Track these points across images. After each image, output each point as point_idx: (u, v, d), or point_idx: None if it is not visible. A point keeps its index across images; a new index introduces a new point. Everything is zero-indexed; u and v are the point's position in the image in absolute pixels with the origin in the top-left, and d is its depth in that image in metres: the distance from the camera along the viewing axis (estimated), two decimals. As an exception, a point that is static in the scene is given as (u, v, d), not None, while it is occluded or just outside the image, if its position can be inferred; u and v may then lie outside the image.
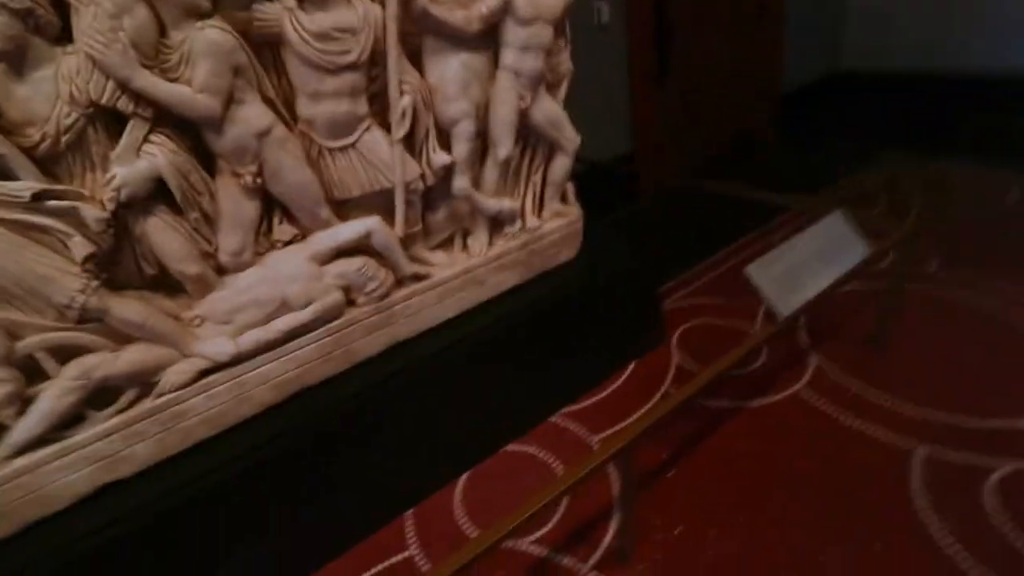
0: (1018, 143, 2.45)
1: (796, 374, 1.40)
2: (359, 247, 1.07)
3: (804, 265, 1.05)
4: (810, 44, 3.14)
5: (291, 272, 1.01)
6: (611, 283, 1.39)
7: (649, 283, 1.56)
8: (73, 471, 0.87)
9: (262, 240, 1.03)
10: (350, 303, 1.09)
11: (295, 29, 0.90)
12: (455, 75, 1.07)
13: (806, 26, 3.03)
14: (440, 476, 1.22)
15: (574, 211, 1.38)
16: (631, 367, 1.53)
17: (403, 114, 1.01)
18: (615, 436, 0.85)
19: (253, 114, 0.91)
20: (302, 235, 1.04)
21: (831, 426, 1.23)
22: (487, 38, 1.10)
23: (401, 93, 1.01)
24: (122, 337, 0.91)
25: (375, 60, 0.99)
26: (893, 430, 1.19)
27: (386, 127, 1.04)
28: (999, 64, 2.73)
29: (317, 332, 1.05)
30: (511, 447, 1.32)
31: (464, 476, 1.25)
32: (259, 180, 0.95)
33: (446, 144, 1.13)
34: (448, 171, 1.14)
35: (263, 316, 1.01)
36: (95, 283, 0.85)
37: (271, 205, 1.02)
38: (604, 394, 1.45)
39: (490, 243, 1.26)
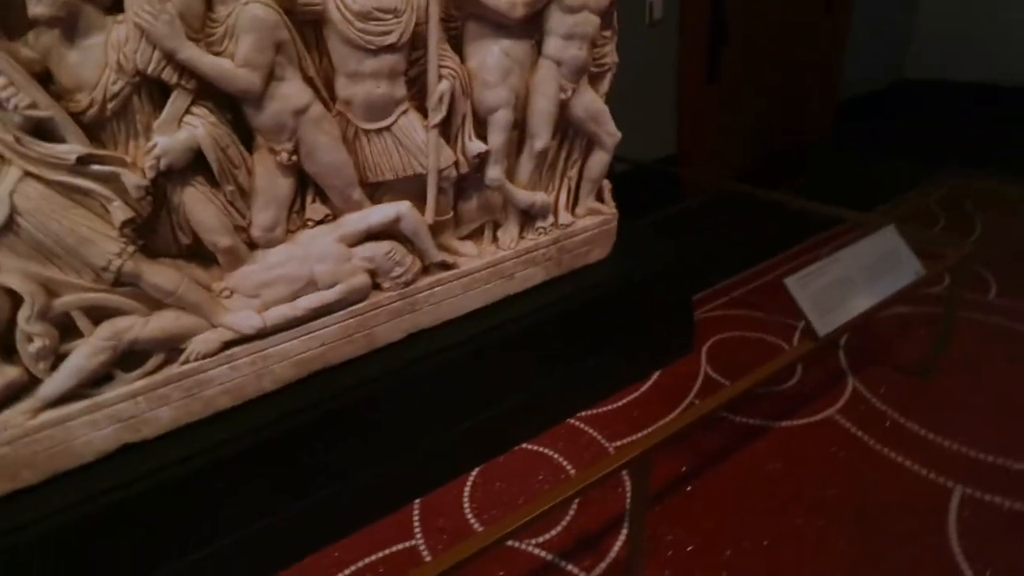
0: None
1: (832, 397, 1.33)
2: (388, 231, 1.06)
3: (849, 281, 0.98)
4: (873, 51, 2.97)
5: (320, 251, 1.01)
6: (642, 287, 1.35)
7: (682, 290, 1.50)
8: (98, 428, 0.90)
9: (294, 218, 1.04)
10: (375, 287, 1.09)
11: (338, 8, 0.90)
12: (496, 62, 1.04)
13: (870, 32, 2.87)
14: (452, 468, 1.21)
15: (609, 210, 1.34)
16: (656, 375, 1.48)
17: (440, 99, 0.99)
18: (633, 443, 0.82)
19: (292, 91, 0.92)
20: (333, 216, 1.05)
21: (865, 454, 1.16)
22: (530, 25, 1.08)
23: (440, 78, 1.00)
24: (154, 302, 0.93)
25: (415, 43, 0.98)
26: (932, 465, 1.11)
27: (423, 112, 1.03)
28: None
29: (341, 313, 1.05)
30: (526, 445, 1.30)
31: (476, 470, 1.24)
32: (295, 158, 0.96)
33: (482, 132, 1.11)
34: (482, 160, 1.12)
35: (290, 293, 1.01)
36: (132, 248, 0.87)
37: (305, 184, 1.03)
38: (626, 400, 1.41)
39: (520, 237, 1.24)
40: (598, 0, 1.09)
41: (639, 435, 1.29)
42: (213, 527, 0.98)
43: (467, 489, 1.20)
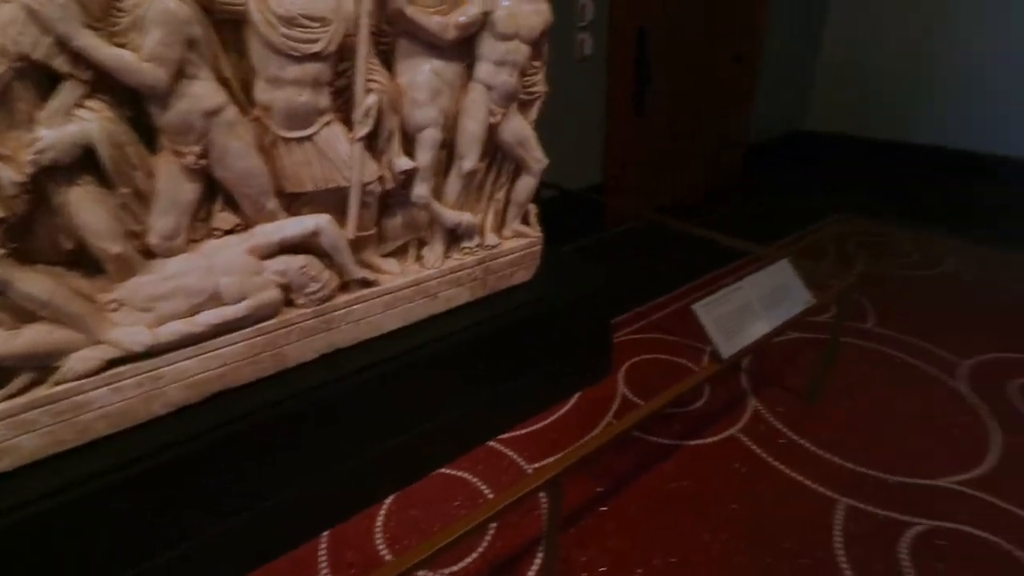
0: (960, 213, 2.63)
1: (735, 417, 1.42)
2: (305, 245, 1.02)
3: (750, 308, 1.06)
4: (778, 101, 3.30)
5: (226, 263, 0.94)
6: (564, 310, 1.38)
7: (602, 314, 1.55)
8: (-60, 459, 0.77)
9: (199, 226, 0.97)
10: (288, 303, 1.03)
11: (261, 10, 0.86)
12: (426, 81, 1.05)
13: (776, 83, 3.19)
14: (364, 496, 1.15)
15: (535, 233, 1.36)
16: (576, 397, 1.51)
17: (367, 113, 0.98)
18: (546, 467, 0.82)
19: (203, 92, 0.86)
20: (244, 226, 0.98)
21: (764, 470, 1.25)
22: (462, 48, 1.09)
23: (368, 92, 0.98)
24: (26, 314, 0.82)
25: (344, 54, 0.96)
26: (820, 480, 1.21)
27: (349, 124, 1.01)
28: (949, 138, 2.95)
29: (248, 330, 0.99)
30: (444, 470, 1.27)
31: (390, 498, 1.19)
32: (202, 162, 0.90)
33: (411, 150, 1.10)
34: (409, 177, 1.11)
35: (189, 307, 0.93)
36: (1, 252, 0.77)
37: (213, 190, 0.96)
38: (546, 422, 1.42)
39: (446, 256, 1.23)
40: (529, 31, 1.12)
41: (556, 457, 1.30)
42: (82, 573, 0.86)
43: (380, 518, 1.14)
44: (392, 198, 1.13)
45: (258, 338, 1.00)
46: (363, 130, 0.98)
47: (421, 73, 1.05)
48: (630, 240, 2.59)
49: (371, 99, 0.97)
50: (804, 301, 1.16)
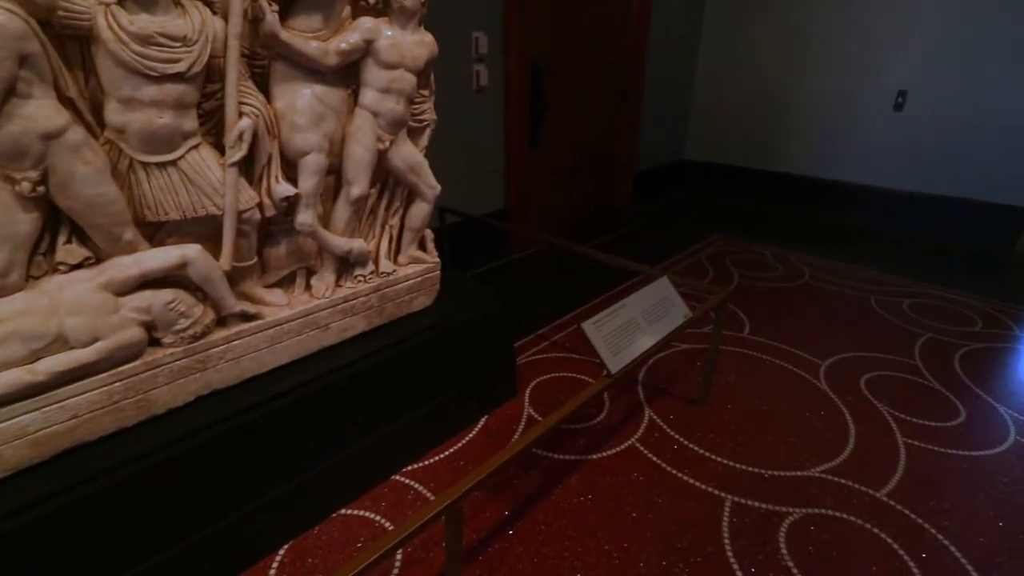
0: (812, 232, 3.01)
1: (633, 427, 1.48)
2: (174, 278, 0.93)
3: (634, 324, 1.13)
4: (661, 134, 3.61)
5: (74, 301, 0.84)
6: (466, 334, 1.38)
7: (505, 336, 1.57)
8: None
9: (40, 262, 0.85)
10: (154, 342, 0.94)
11: (110, 27, 0.80)
12: (307, 106, 1.02)
13: (658, 117, 3.49)
14: (253, 551, 1.05)
15: (432, 259, 1.36)
16: (483, 421, 1.50)
17: (240, 137, 0.93)
18: (445, 493, 0.80)
19: (41, 113, 0.77)
20: (96, 259, 0.88)
21: (660, 476, 1.31)
22: (346, 74, 1.08)
23: (241, 115, 0.93)
24: None
25: (212, 75, 0.91)
26: (708, 480, 1.30)
27: (221, 148, 0.95)
28: (800, 167, 3.37)
29: (103, 376, 0.88)
30: (345, 511, 1.20)
31: (284, 548, 1.10)
32: (40, 189, 0.80)
33: (294, 175, 1.06)
34: (292, 204, 1.06)
35: (27, 352, 0.81)
36: None
37: (57, 221, 0.86)
38: (453, 449, 1.40)
39: (338, 285, 1.19)
40: (414, 60, 1.13)
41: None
42: None
43: (272, 572, 1.05)
44: (275, 226, 1.08)
45: (117, 384, 0.90)
46: (236, 155, 0.93)
47: (301, 97, 1.02)
48: (533, 264, 2.67)
49: (244, 123, 0.93)
50: (683, 314, 1.25)
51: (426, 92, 1.25)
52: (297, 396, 1.05)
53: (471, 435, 1.45)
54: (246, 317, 1.02)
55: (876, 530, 1.16)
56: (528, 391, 1.63)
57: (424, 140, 1.28)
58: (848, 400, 1.60)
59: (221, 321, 1.01)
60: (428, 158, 1.28)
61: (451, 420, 1.44)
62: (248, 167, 0.99)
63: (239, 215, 0.96)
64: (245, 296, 1.05)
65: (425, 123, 1.27)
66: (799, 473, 1.32)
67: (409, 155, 1.21)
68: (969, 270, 2.53)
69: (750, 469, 1.34)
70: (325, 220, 1.16)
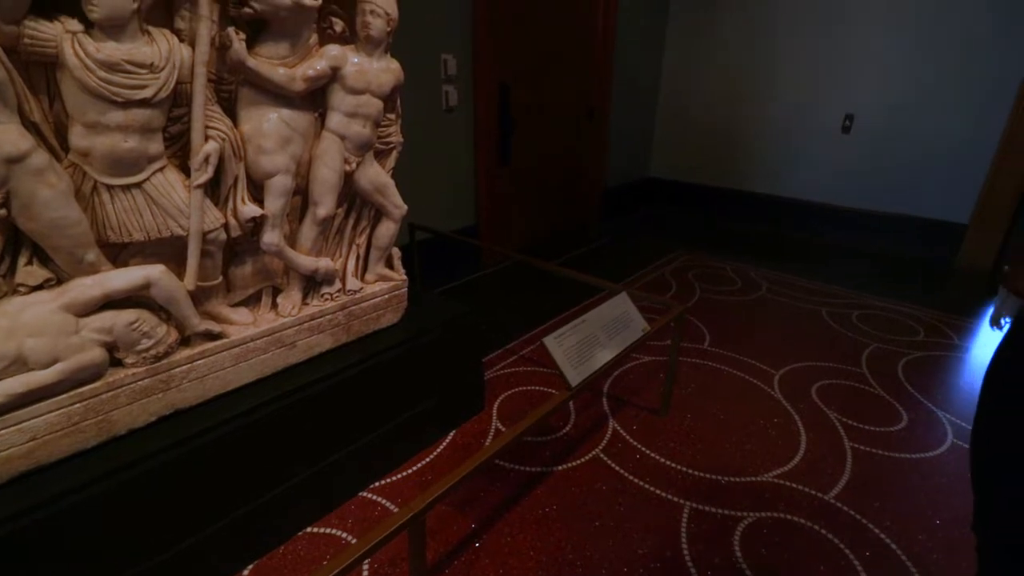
0: (770, 247, 3.14)
1: (598, 438, 1.53)
2: (138, 298, 0.94)
3: (594, 338, 1.18)
4: (627, 152, 3.73)
5: (34, 322, 0.84)
6: (433, 350, 1.41)
7: (474, 352, 1.60)
8: None
9: (0, 283, 0.85)
10: (116, 363, 0.94)
11: (77, 55, 0.81)
12: (273, 129, 1.04)
13: (624, 137, 3.61)
14: (218, 570, 1.05)
15: (399, 276, 1.39)
16: (451, 436, 1.53)
17: (206, 160, 0.95)
18: (407, 506, 0.83)
19: (5, 137, 0.78)
20: (57, 280, 0.89)
21: (622, 485, 1.35)
22: (312, 98, 1.11)
23: (207, 138, 0.96)
24: None
25: (179, 100, 0.93)
26: (668, 488, 1.35)
27: (186, 171, 0.97)
28: (762, 186, 3.52)
29: (62, 397, 0.87)
30: (311, 529, 1.20)
31: (248, 568, 1.10)
32: (2, 211, 0.80)
33: (260, 196, 1.08)
34: (259, 225, 1.08)
35: (-17, 376, 0.81)
36: None
37: (19, 242, 0.86)
38: (420, 464, 1.41)
39: (304, 303, 1.21)
40: (380, 86, 1.18)
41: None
42: None
43: (234, 592, 1.04)
44: (240, 246, 1.09)
45: (76, 405, 0.89)
46: (202, 177, 0.94)
47: (268, 121, 1.04)
48: (503, 279, 2.71)
49: (210, 146, 0.95)
50: (641, 328, 1.31)
51: (392, 116, 1.29)
52: (262, 415, 1.06)
53: (439, 450, 1.47)
54: (211, 336, 1.03)
55: (824, 531, 1.23)
56: (496, 405, 1.66)
57: (391, 162, 1.32)
58: (800, 408, 1.68)
59: (185, 340, 1.02)
60: (395, 178, 1.32)
61: (419, 436, 1.46)
62: (214, 189, 1.01)
63: (204, 235, 0.98)
64: (210, 315, 1.06)
65: (392, 145, 1.31)
66: (754, 479, 1.38)
67: (375, 176, 1.25)
68: (913, 282, 2.68)
69: (708, 476, 1.39)
70: (292, 239, 1.18)
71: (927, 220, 2.92)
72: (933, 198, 2.89)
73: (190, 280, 0.98)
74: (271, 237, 1.08)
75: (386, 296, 1.35)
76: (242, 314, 1.11)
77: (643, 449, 1.48)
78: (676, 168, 3.90)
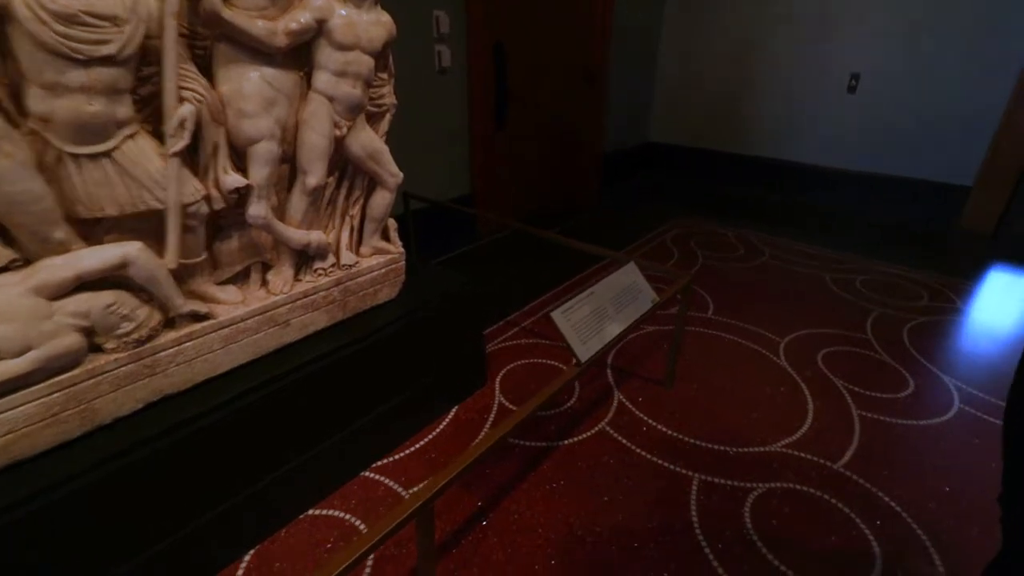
0: (773, 213, 3.09)
1: (603, 411, 1.50)
2: (115, 279, 0.87)
3: (603, 311, 1.13)
4: (627, 117, 3.61)
5: (1, 308, 0.77)
6: (433, 325, 1.35)
7: (474, 325, 1.55)
8: None
9: (-42, 265, 0.78)
10: (96, 348, 0.87)
11: (28, 5, 0.72)
12: (256, 90, 0.95)
13: (624, 102, 3.48)
14: (215, 559, 1.02)
15: (396, 249, 1.32)
16: (453, 411, 1.49)
17: (180, 125, 0.86)
18: (415, 494, 0.79)
19: (-53, 100, 0.69)
20: (24, 261, 0.81)
21: (630, 458, 1.33)
22: (297, 56, 1.02)
23: (181, 101, 0.87)
24: None
25: (149, 58, 0.84)
26: (677, 460, 1.32)
27: (160, 137, 0.88)
28: (765, 150, 3.44)
29: (40, 387, 0.81)
30: (313, 511, 1.17)
31: (249, 554, 1.06)
32: (-47, 186, 0.72)
33: (244, 165, 1.00)
34: (243, 196, 1.00)
35: (-51, 366, 0.74)
36: None
37: (-23, 219, 0.78)
38: (423, 442, 1.38)
39: (296, 279, 1.14)
40: (370, 41, 1.08)
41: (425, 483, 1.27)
42: None
43: (237, 578, 1.01)
44: (225, 219, 1.02)
45: (56, 394, 0.83)
46: (177, 144, 0.86)
47: (249, 81, 0.95)
48: (501, 248, 2.64)
49: (185, 109, 0.86)
50: (650, 299, 1.26)
51: (384, 75, 1.20)
52: (256, 398, 1.01)
53: (442, 427, 1.43)
54: (197, 317, 0.96)
55: (834, 500, 1.21)
56: (499, 379, 1.62)
57: (384, 125, 1.23)
58: (806, 376, 1.65)
59: (169, 322, 0.95)
60: (389, 144, 1.23)
61: (421, 413, 1.42)
62: (192, 157, 0.93)
63: (184, 209, 0.90)
64: (195, 295, 0.99)
65: (385, 108, 1.22)
66: (762, 449, 1.37)
67: (368, 142, 1.16)
68: (916, 246, 2.65)
69: (716, 447, 1.37)
70: (280, 211, 1.10)
71: (931, 183, 2.87)
72: (937, 160, 2.82)
73: (171, 257, 0.90)
74: (257, 209, 1.00)
75: (383, 270, 1.28)
76: (230, 292, 1.04)
77: (650, 421, 1.46)
78: (677, 133, 3.79)
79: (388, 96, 1.21)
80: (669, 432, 1.42)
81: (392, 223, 1.32)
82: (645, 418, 1.47)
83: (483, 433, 1.42)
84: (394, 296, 1.34)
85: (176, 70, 0.85)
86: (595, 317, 1.11)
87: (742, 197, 3.42)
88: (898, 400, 1.55)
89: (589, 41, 3.03)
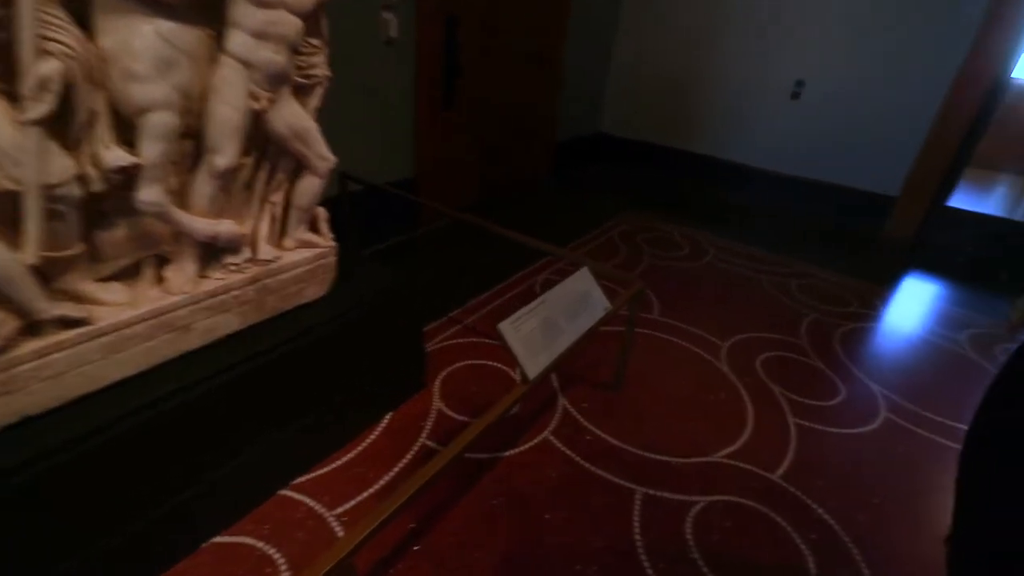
0: (717, 212, 3.13)
1: (547, 419, 1.43)
2: (-49, 274, 0.68)
3: (553, 322, 1.05)
4: (581, 104, 3.53)
5: None
6: (367, 325, 1.22)
7: (412, 323, 1.43)
8: None
9: None
10: (-77, 362, 0.69)
11: None
12: (148, 47, 0.78)
13: (578, 86, 3.40)
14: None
15: (326, 242, 1.17)
16: (387, 419, 1.37)
17: (42, 85, 0.68)
18: (328, 554, 0.68)
19: None
20: None
21: (573, 472, 1.27)
22: (206, 9, 0.84)
23: (43, 54, 0.68)
24: None
25: (-7, -4, 0.65)
26: (620, 473, 1.28)
27: (17, 100, 0.70)
28: (712, 149, 3.47)
29: None
30: (220, 538, 1.03)
31: (136, 595, 0.91)
32: None
33: (132, 137, 0.82)
34: (132, 176, 0.83)
35: None
36: None
37: None
38: (351, 455, 1.26)
39: (201, 276, 0.97)
40: (299, 1, 0.92)
41: (368, 493, 1.16)
42: None
43: (120, 627, 0.87)
44: (108, 204, 0.84)
45: None
46: (37, 110, 0.68)
47: (140, 36, 0.77)
48: (445, 237, 2.51)
49: (48, 66, 0.68)
50: (603, 307, 1.19)
51: (316, 42, 1.04)
52: (147, 416, 0.85)
53: (373, 436, 1.32)
54: (68, 323, 0.79)
55: (772, 514, 1.22)
56: (438, 382, 1.52)
57: (315, 100, 1.08)
58: (746, 382, 1.67)
59: (32, 329, 0.77)
60: (324, 121, 1.08)
61: (350, 422, 1.29)
62: (62, 127, 0.75)
63: (47, 190, 0.72)
64: (69, 295, 0.82)
65: (316, 80, 1.06)
66: (704, 459, 1.35)
67: (294, 119, 1.01)
68: (848, 252, 2.77)
69: (659, 458, 1.34)
70: (183, 197, 0.93)
71: (862, 192, 3.00)
72: (869, 169, 2.96)
73: (30, 250, 0.72)
74: (150, 194, 0.83)
75: (309, 266, 1.14)
76: (115, 292, 0.87)
77: (594, 430, 1.41)
78: (627, 125, 3.76)
79: (320, 67, 1.06)
80: (614, 441, 1.38)
81: (322, 212, 1.17)
82: (589, 426, 1.42)
83: (419, 443, 1.31)
84: (322, 294, 1.20)
85: (35, 14, 0.67)
86: (545, 328, 1.02)
87: (689, 194, 3.45)
88: (830, 408, 1.59)
89: (546, 23, 2.91)
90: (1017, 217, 3.31)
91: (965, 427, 1.59)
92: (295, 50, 0.96)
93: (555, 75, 3.09)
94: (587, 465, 1.30)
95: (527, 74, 2.94)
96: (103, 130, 0.77)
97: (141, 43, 0.78)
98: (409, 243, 2.41)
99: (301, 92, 1.05)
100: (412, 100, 2.35)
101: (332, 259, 1.19)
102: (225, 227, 0.95)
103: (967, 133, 2.65)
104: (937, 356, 1.91)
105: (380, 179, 2.28)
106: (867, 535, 1.18)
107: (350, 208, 2.06)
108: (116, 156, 0.78)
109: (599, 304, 1.19)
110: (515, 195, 3.12)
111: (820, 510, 1.24)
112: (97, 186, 0.79)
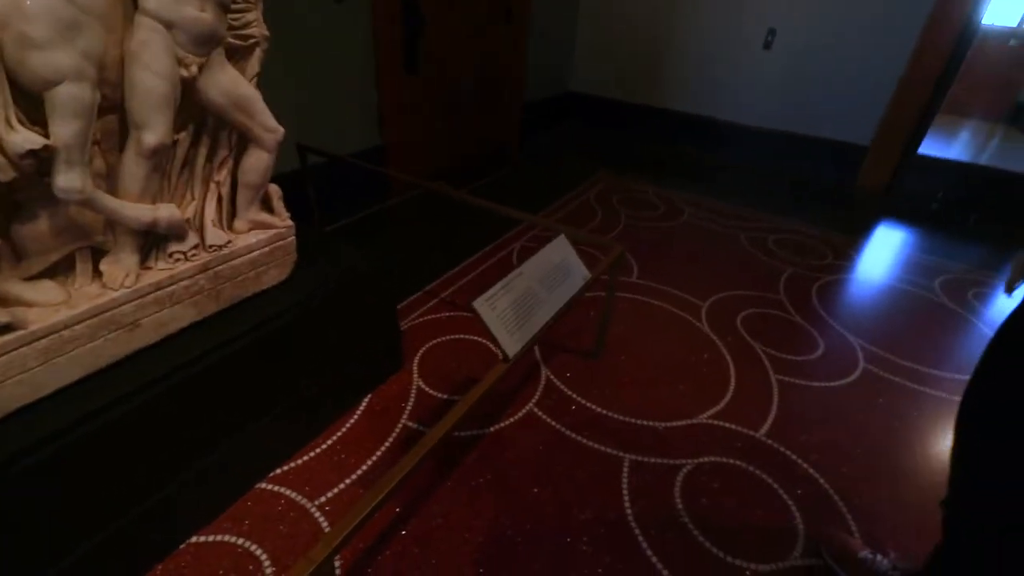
0: (691, 169, 3.08)
1: (530, 390, 1.40)
2: None
3: (531, 294, 1.00)
4: (548, 63, 3.39)
5: None
6: (336, 308, 1.16)
7: (385, 301, 1.37)
8: None
9: None
10: None
11: None
12: (44, 8, 0.67)
13: (545, 46, 3.25)
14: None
15: (282, 222, 1.09)
16: (365, 402, 1.33)
17: (-84, 57, 0.58)
18: (312, 553, 0.63)
19: None
20: None
21: (559, 443, 1.25)
22: (110, -37, 0.73)
23: (-87, 19, 0.58)
24: None
25: None
26: (606, 441, 1.27)
27: None
28: (683, 105, 3.39)
29: None
30: (198, 538, 0.98)
31: (107, 608, 0.87)
32: None
33: (40, 116, 0.72)
34: (45, 161, 0.73)
35: None
36: None
37: None
38: (330, 441, 1.21)
39: (145, 267, 0.89)
40: (225, -52, 0.81)
41: (349, 480, 1.12)
42: None
43: (92, 643, 0.82)
44: (23, 193, 0.74)
45: None
46: (-87, 87, 0.58)
47: (36, -5, 0.67)
48: (415, 208, 2.42)
49: (-81, 33, 0.58)
50: (583, 277, 1.14)
51: (250, -2, 0.92)
52: (101, 421, 0.78)
53: (352, 420, 1.27)
54: (-8, 329, 0.71)
55: (759, 472, 1.22)
56: (417, 360, 1.47)
57: (254, 65, 0.97)
58: (728, 341, 1.66)
59: (-52, 338, 0.69)
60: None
61: (326, 408, 1.24)
62: (-50, 105, 0.64)
63: (-57, 182, 0.63)
64: (-11, 297, 0.73)
65: (252, 40, 0.95)
66: (689, 422, 1.35)
67: (232, 86, 0.90)
68: (822, 204, 2.76)
69: (645, 423, 1.33)
70: (112, 180, 0.83)
71: (835, 142, 2.98)
72: (841, 119, 2.93)
73: (-69, 252, 0.63)
74: (68, 180, 0.73)
75: (266, 248, 1.06)
76: (47, 291, 0.78)
77: (579, 399, 1.39)
78: (597, 83, 3.64)
79: (256, 25, 0.95)
80: (598, 409, 1.36)
81: (275, 190, 1.08)
82: (574, 395, 1.40)
83: (400, 424, 1.27)
84: (284, 278, 1.13)
85: None
86: (523, 302, 0.97)
87: (661, 151, 3.39)
88: (810, 362, 1.60)
89: (508, -26, 2.74)
90: (982, 161, 3.35)
91: (940, 374, 1.61)
92: (225, 7, 0.85)
93: (521, 30, 2.94)
94: (573, 435, 1.28)
95: (493, 30, 2.79)
96: (6, 109, 0.67)
97: (36, 4, 0.67)
98: (378, 216, 2.31)
99: (237, 56, 0.95)
100: (372, 64, 2.21)
101: (291, 239, 1.11)
102: (164, 212, 0.86)
103: (938, 79, 2.63)
104: (911, 304, 1.93)
105: (345, 149, 2.15)
106: (852, 487, 1.20)
107: (311, 182, 1.95)
108: (24, 138, 0.68)
109: (578, 272, 1.14)
110: (486, 160, 3.01)
111: (805, 465, 1.25)
112: (6, 174, 0.69)
